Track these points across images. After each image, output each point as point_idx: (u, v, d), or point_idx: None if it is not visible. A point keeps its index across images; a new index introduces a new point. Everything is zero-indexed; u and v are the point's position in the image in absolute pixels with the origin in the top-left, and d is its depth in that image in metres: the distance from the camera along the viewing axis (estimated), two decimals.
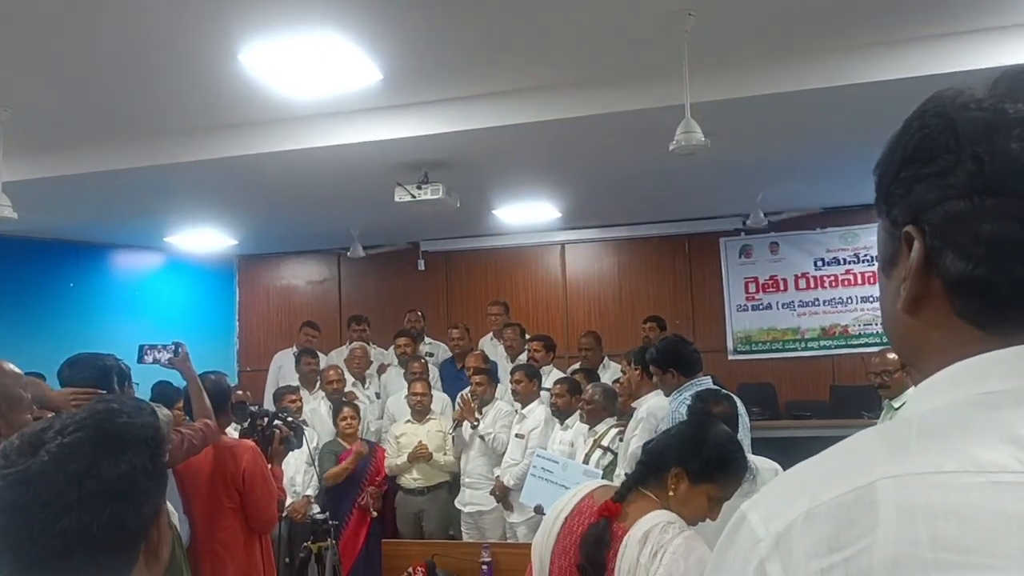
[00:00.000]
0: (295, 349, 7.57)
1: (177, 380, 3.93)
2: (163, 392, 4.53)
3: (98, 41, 3.76)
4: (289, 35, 3.70)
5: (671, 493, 2.15)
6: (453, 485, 6.12)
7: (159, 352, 3.63)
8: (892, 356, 4.60)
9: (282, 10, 3.48)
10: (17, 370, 2.14)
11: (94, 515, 1.09)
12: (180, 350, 3.60)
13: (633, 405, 4.52)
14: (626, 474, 2.40)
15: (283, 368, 7.56)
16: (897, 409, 4.45)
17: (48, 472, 1.09)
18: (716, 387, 4.00)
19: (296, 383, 6.61)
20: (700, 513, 2.16)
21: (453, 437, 6.09)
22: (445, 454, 6.10)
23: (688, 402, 3.78)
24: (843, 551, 0.63)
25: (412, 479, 6.07)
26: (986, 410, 0.68)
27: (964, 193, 0.71)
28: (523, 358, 6.75)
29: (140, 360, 3.70)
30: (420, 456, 5.96)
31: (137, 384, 4.04)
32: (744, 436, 3.63)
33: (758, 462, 3.10)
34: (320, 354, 7.44)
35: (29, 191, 5.14)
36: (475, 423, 5.88)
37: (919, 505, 0.63)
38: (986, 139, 0.71)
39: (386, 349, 7.76)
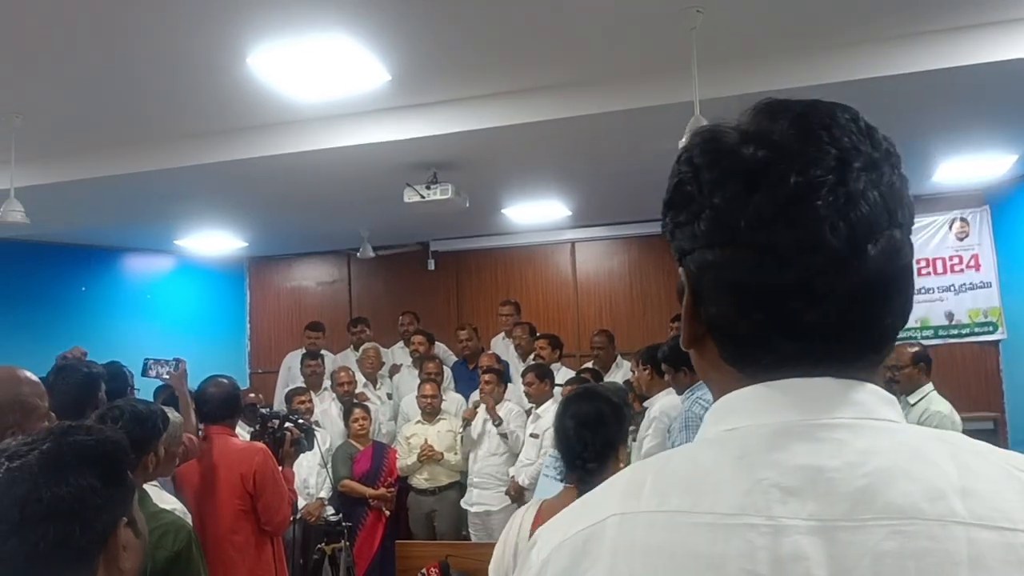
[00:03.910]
0: (304, 350, 7.60)
1: (192, 383, 4.02)
2: (173, 396, 4.56)
3: (107, 47, 3.77)
4: (297, 38, 3.70)
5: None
6: (464, 486, 6.12)
7: (161, 367, 3.84)
8: (905, 351, 4.57)
9: (290, 13, 3.48)
10: (34, 378, 2.13)
11: (38, 537, 1.15)
12: (179, 366, 3.76)
13: (645, 405, 4.50)
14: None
15: (292, 369, 7.59)
16: (913, 406, 4.42)
17: None
18: None
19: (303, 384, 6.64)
20: None
21: (462, 437, 6.09)
22: (456, 454, 6.10)
23: (701, 401, 3.76)
24: None
25: (423, 480, 6.08)
26: (719, 448, 0.71)
27: (710, 242, 0.73)
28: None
29: (144, 374, 3.90)
30: (428, 457, 5.96)
31: (138, 390, 4.10)
32: None
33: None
34: (329, 354, 7.46)
35: (41, 196, 5.17)
36: (497, 422, 5.87)
37: (634, 542, 0.68)
38: (722, 188, 0.72)
39: (388, 349, 7.76)
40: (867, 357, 0.73)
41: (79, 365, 3.25)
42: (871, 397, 0.71)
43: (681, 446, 0.76)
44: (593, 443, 2.28)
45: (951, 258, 7.32)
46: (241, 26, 3.60)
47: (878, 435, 0.68)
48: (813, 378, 0.71)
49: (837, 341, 0.71)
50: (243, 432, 4.34)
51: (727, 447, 0.70)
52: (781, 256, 0.69)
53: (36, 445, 1.21)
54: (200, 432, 3.75)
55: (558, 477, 2.42)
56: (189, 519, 2.80)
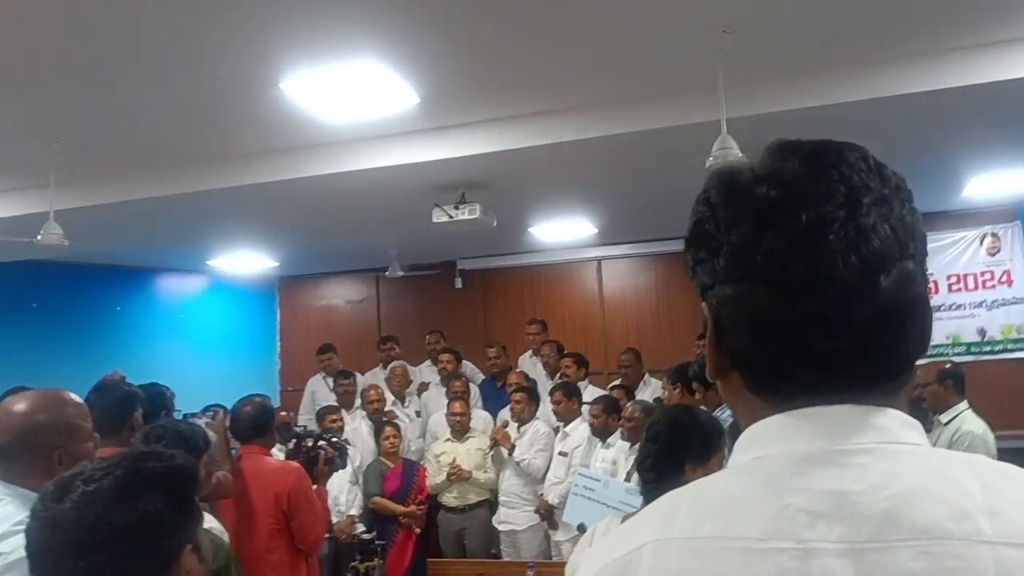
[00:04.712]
0: (323, 375, 7.67)
1: (223, 401, 4.12)
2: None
3: (144, 73, 3.86)
4: (329, 63, 3.77)
5: None
6: (494, 503, 6.13)
7: (199, 419, 4.07)
8: (933, 368, 4.52)
9: (322, 39, 3.55)
10: (79, 400, 2.18)
11: (107, 558, 1.22)
12: (217, 415, 3.93)
13: None
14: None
15: (316, 393, 7.64)
16: (946, 425, 4.37)
17: (69, 519, 1.23)
18: None
19: (335, 403, 6.69)
20: None
21: (492, 456, 6.11)
22: (485, 471, 6.11)
23: (733, 420, 3.75)
24: None
25: (452, 498, 6.09)
26: (747, 476, 0.74)
27: (728, 278, 0.76)
28: None
29: None
30: (456, 475, 5.98)
31: (178, 411, 4.20)
32: None
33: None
34: (356, 373, 7.51)
35: (79, 219, 5.27)
36: (509, 449, 5.89)
37: (668, 568, 0.71)
38: (737, 225, 0.76)
39: (415, 367, 7.80)
40: (885, 384, 0.75)
41: (120, 384, 3.32)
42: (892, 422, 0.73)
43: (714, 474, 0.78)
44: (648, 456, 2.38)
45: (982, 274, 7.24)
46: (274, 52, 3.68)
47: (900, 458, 0.71)
48: (834, 405, 0.74)
49: (854, 369, 0.74)
50: (277, 451, 4.39)
51: (755, 475, 0.73)
52: (795, 289, 0.72)
53: (110, 470, 1.27)
54: (235, 451, 3.80)
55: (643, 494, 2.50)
56: (226, 537, 2.84)
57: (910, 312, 0.75)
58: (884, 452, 0.71)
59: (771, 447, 0.74)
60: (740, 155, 3.89)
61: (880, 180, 0.76)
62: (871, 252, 0.72)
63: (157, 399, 3.86)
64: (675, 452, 2.35)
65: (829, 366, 0.73)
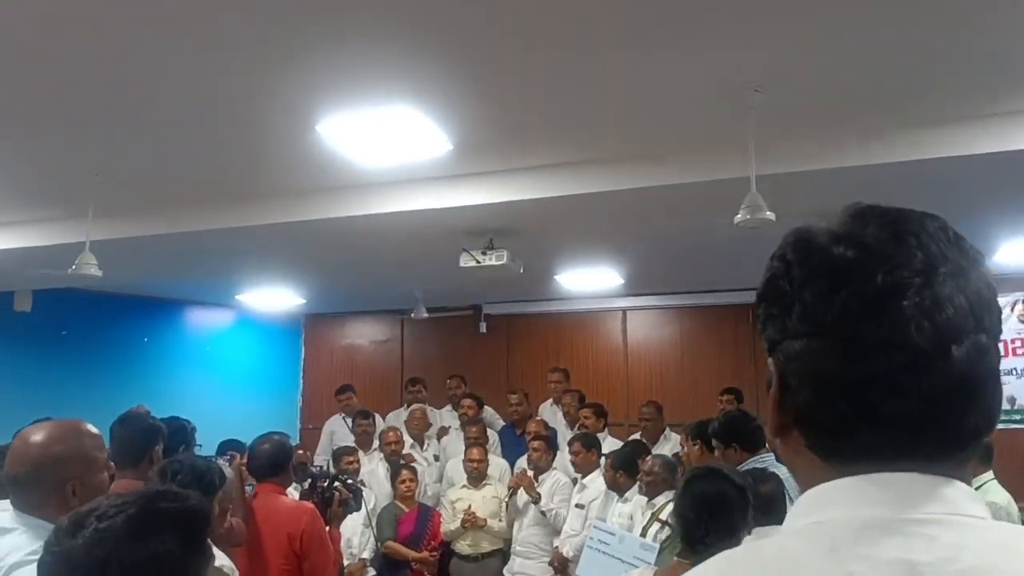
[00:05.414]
0: (342, 415, 7.67)
1: (243, 436, 4.12)
2: (229, 448, 4.66)
3: (185, 110, 3.95)
4: (365, 108, 3.83)
5: None
6: (507, 553, 6.05)
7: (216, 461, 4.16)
8: None
9: (359, 85, 3.62)
10: (95, 431, 2.20)
11: None
12: (233, 460, 4.00)
13: None
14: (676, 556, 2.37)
15: (336, 434, 7.64)
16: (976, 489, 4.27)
17: (80, 554, 1.25)
18: (763, 467, 3.91)
19: (352, 444, 6.67)
20: None
21: (507, 504, 6.05)
22: (500, 520, 6.05)
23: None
24: None
25: (466, 545, 6.03)
26: (806, 540, 0.72)
27: (798, 334, 0.76)
28: None
29: None
30: (470, 523, 5.92)
31: (200, 446, 4.21)
32: None
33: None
34: (376, 414, 7.51)
35: (113, 250, 5.37)
36: (535, 498, 5.83)
37: None
38: (811, 283, 0.76)
39: (437, 410, 7.78)
40: (954, 455, 0.74)
41: (145, 416, 3.35)
42: (958, 493, 0.73)
43: (770, 537, 0.77)
44: (716, 528, 2.25)
45: (1013, 341, 7.14)
46: (313, 95, 3.75)
47: (968, 531, 0.69)
48: (900, 472, 0.72)
49: (920, 436, 0.73)
50: (292, 491, 4.38)
51: (817, 539, 0.71)
52: (866, 350, 0.72)
53: (124, 508, 1.28)
54: (251, 487, 3.80)
55: (675, 554, 2.41)
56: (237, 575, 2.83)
57: (982, 385, 0.74)
58: (952, 524, 0.70)
59: (833, 511, 0.73)
60: (769, 214, 3.89)
61: (958, 252, 0.76)
62: (945, 321, 0.72)
63: (178, 433, 3.87)
64: (740, 520, 2.27)
65: (896, 429, 0.72)
